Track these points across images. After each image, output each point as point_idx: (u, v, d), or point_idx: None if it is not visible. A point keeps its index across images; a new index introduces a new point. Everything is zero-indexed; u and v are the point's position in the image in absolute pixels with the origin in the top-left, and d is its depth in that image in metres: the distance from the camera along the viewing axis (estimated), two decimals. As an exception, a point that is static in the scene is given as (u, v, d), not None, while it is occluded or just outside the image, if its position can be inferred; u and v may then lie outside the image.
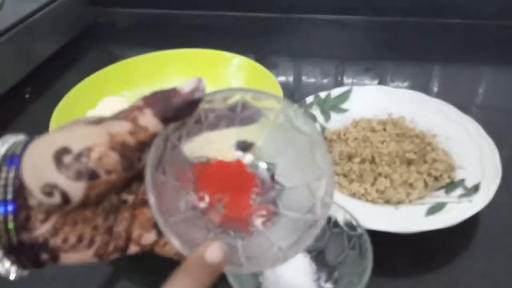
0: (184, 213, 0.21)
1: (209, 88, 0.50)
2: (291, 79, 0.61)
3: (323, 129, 0.46)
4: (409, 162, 0.40)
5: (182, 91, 0.19)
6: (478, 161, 0.39)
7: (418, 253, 0.36)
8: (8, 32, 0.53)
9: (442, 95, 0.47)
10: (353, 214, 0.35)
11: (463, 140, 0.42)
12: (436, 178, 0.39)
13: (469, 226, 0.37)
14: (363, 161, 0.40)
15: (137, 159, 0.19)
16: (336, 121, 0.46)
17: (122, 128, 0.18)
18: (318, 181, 0.22)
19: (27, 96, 0.57)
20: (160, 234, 0.21)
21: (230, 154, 0.23)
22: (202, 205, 0.22)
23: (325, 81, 0.60)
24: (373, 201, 0.38)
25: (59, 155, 0.17)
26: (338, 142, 0.43)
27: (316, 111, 0.46)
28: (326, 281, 0.32)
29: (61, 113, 0.41)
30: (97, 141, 0.17)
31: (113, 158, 0.17)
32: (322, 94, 0.47)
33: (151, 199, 0.18)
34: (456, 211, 0.35)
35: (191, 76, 0.55)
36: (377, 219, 0.35)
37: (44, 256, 0.18)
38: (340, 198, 0.37)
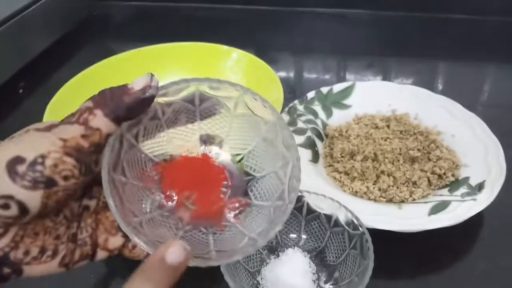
0: (151, 213, 0.21)
1: None
2: (292, 74, 0.60)
3: (325, 125, 0.45)
4: (413, 160, 0.39)
5: (133, 88, 0.18)
6: (483, 160, 0.38)
7: (420, 253, 0.36)
8: (1, 26, 0.51)
9: (446, 93, 0.46)
10: (355, 213, 0.34)
11: (468, 138, 0.41)
12: (440, 176, 0.38)
13: (473, 225, 0.36)
14: (365, 158, 0.39)
15: (94, 163, 0.18)
16: (338, 117, 0.45)
17: (74, 132, 0.17)
18: (285, 167, 0.21)
19: (20, 91, 0.56)
20: (127, 237, 0.20)
21: (195, 149, 0.23)
22: (170, 204, 0.22)
23: (327, 76, 0.59)
24: (375, 200, 0.37)
25: (12, 165, 0.16)
26: (340, 139, 0.42)
27: (317, 107, 0.45)
28: (326, 281, 0.31)
29: (54, 109, 0.41)
30: (51, 148, 0.17)
31: (69, 164, 0.17)
32: (324, 90, 0.46)
33: (109, 201, 0.18)
34: (460, 210, 0.34)
35: (188, 70, 0.54)
36: (379, 218, 0.34)
37: (6, 270, 0.18)
38: (341, 196, 0.36)
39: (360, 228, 0.30)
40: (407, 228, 0.33)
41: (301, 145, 0.42)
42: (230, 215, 0.22)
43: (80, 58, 0.48)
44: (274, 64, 0.52)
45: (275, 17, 0.72)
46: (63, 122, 0.18)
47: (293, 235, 0.34)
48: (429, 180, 0.38)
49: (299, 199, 0.33)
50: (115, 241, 0.20)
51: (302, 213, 0.33)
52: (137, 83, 0.18)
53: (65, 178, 0.17)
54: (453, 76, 0.59)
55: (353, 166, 0.39)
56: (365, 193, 0.38)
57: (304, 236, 0.34)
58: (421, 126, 0.43)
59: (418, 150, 0.40)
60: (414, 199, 0.37)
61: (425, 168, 0.38)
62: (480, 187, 0.36)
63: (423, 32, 0.67)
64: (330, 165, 0.41)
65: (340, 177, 0.39)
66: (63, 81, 0.45)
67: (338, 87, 0.47)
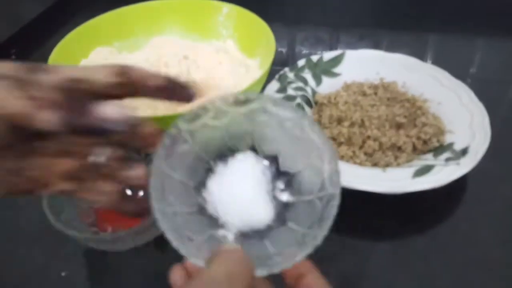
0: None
1: (197, 37, 0.44)
2: (284, 45, 0.60)
3: (314, 93, 0.45)
4: (399, 126, 0.40)
5: (100, 113, 0.18)
6: (468, 126, 0.39)
7: (403, 215, 0.37)
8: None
9: (436, 65, 0.46)
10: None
11: (454, 105, 0.41)
12: (425, 142, 0.39)
13: (456, 190, 0.38)
14: (352, 124, 0.40)
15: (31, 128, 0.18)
16: (328, 85, 0.46)
17: (19, 107, 0.18)
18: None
19: (13, 57, 0.56)
20: (72, 182, 0.22)
21: None
22: None
23: (318, 48, 0.59)
24: (361, 164, 0.38)
25: None
26: (328, 106, 0.43)
27: (307, 75, 0.46)
28: (283, 190, 0.24)
29: (56, 62, 0.41)
30: None
31: None
32: (314, 58, 0.47)
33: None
34: (443, 173, 0.35)
35: (178, 26, 0.55)
36: (363, 180, 0.35)
37: None
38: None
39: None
40: (390, 189, 0.34)
41: (290, 112, 0.42)
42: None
43: (75, 24, 0.48)
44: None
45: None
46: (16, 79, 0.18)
47: (244, 137, 0.25)
48: (414, 145, 0.39)
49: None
50: (61, 186, 0.22)
51: None
52: (108, 111, 0.18)
53: None
54: (443, 48, 0.59)
55: (340, 132, 0.39)
56: (351, 157, 0.38)
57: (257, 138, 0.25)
58: (408, 94, 0.43)
59: (405, 116, 0.40)
60: (398, 164, 0.38)
61: (410, 133, 0.39)
62: (464, 152, 0.37)
63: (415, 3, 0.67)
64: (318, 131, 0.42)
65: (328, 142, 0.40)
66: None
67: (328, 56, 0.47)
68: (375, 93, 0.43)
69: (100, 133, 0.18)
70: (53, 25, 0.61)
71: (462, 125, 0.39)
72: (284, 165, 0.25)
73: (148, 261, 0.33)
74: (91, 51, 0.46)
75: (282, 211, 0.24)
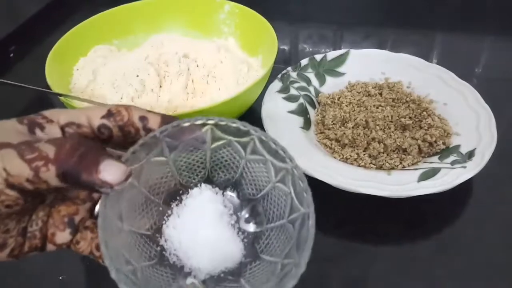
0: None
1: (198, 35, 0.46)
2: (286, 44, 0.59)
3: (317, 93, 0.44)
4: (404, 128, 0.39)
5: (100, 174, 0.16)
6: (475, 128, 0.38)
7: (408, 218, 0.36)
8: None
9: (443, 64, 0.46)
10: (344, 178, 0.34)
11: (460, 106, 0.41)
12: (431, 144, 0.38)
13: (461, 194, 0.37)
14: (356, 125, 0.39)
15: (44, 191, 0.18)
16: (331, 85, 0.45)
17: (21, 172, 0.16)
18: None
19: (11, 55, 0.55)
20: (73, 233, 0.20)
21: None
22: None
23: (322, 47, 0.58)
24: (365, 167, 0.37)
25: None
26: (332, 106, 0.42)
27: (310, 74, 0.45)
28: (248, 220, 0.23)
29: (54, 60, 0.41)
30: None
31: (11, 195, 0.17)
32: (318, 57, 0.46)
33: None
34: (449, 176, 0.34)
35: (179, 23, 0.55)
36: (368, 183, 0.34)
37: None
38: (331, 163, 0.37)
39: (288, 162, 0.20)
40: (395, 193, 0.33)
41: (293, 112, 0.42)
42: None
43: (74, 21, 0.47)
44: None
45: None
46: (19, 148, 0.16)
47: (197, 169, 0.23)
48: (419, 148, 0.38)
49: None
50: (63, 237, 0.20)
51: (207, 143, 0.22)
52: (107, 172, 0.16)
53: (8, 206, 0.17)
54: (449, 47, 0.58)
55: (344, 133, 0.39)
56: (355, 159, 0.38)
57: (211, 168, 0.23)
58: (413, 95, 0.43)
59: (410, 118, 0.40)
60: (404, 166, 0.37)
61: (416, 135, 0.38)
62: (470, 155, 0.36)
63: (421, 2, 0.66)
64: (321, 132, 0.41)
65: (331, 144, 0.39)
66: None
67: (332, 55, 0.46)
68: (380, 94, 0.42)
69: (98, 192, 0.17)
70: (52, 22, 0.60)
71: (468, 127, 0.39)
72: (247, 191, 0.22)
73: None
74: (90, 49, 0.46)
75: (253, 243, 0.21)
